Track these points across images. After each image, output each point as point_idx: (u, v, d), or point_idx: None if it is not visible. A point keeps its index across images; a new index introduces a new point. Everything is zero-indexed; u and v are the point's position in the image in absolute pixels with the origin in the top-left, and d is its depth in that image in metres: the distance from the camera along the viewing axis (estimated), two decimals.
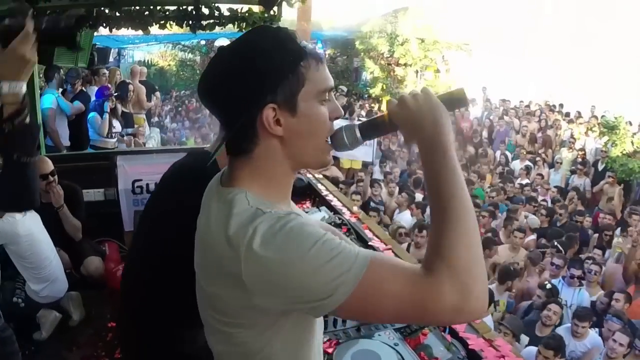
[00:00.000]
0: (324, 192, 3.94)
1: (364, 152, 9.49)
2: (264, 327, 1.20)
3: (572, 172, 11.59)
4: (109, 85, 7.88)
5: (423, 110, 1.24)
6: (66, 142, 7.12)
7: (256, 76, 1.17)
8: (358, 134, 1.33)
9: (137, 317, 2.15)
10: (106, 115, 7.16)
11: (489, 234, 7.54)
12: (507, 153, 12.81)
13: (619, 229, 8.27)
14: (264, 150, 1.23)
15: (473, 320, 1.06)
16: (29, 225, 3.95)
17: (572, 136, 13.03)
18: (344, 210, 3.54)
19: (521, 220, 8.20)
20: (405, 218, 8.25)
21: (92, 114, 7.22)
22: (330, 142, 1.30)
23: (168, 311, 2.00)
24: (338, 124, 1.33)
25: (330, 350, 1.97)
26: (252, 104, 1.17)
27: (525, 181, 10.75)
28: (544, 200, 9.90)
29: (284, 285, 1.07)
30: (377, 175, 10.43)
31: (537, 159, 12.01)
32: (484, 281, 1.10)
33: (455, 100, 1.36)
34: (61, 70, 8.28)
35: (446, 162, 1.18)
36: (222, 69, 1.21)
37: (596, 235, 8.26)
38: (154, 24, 5.92)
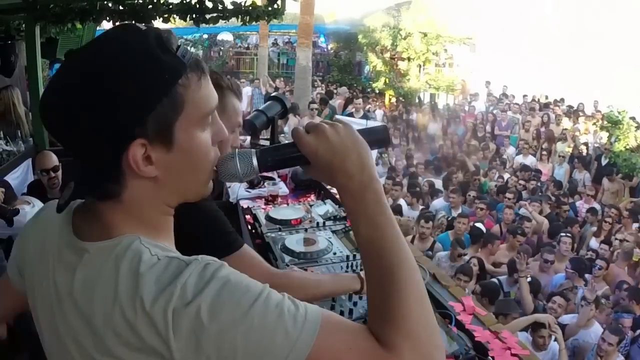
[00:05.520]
0: (329, 186, 3.92)
1: None
2: None
3: (572, 166, 11.56)
4: None
5: (346, 145, 1.01)
6: None
7: (119, 104, 0.86)
8: (255, 163, 1.06)
9: None
10: None
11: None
12: (512, 147, 12.80)
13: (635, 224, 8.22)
14: (135, 193, 0.95)
15: None
16: None
17: (575, 130, 13.05)
18: None
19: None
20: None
21: None
22: (217, 169, 1.06)
23: None
24: None
25: None
26: (113, 141, 0.88)
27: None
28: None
29: (225, 352, 0.83)
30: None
31: (544, 153, 11.99)
32: (442, 346, 0.97)
33: (377, 139, 1.13)
34: None
35: (383, 215, 0.99)
36: (71, 93, 0.89)
37: (594, 229, 8.27)
38: (157, 17, 5.92)
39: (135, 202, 0.95)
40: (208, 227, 1.78)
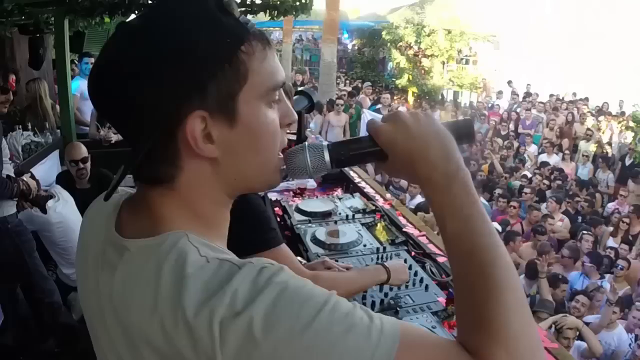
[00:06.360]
0: (357, 180, 3.92)
1: None
2: None
3: (596, 166, 11.45)
4: None
5: (427, 133, 0.89)
6: None
7: (174, 69, 0.76)
8: (327, 158, 0.94)
9: None
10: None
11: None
12: (534, 146, 12.70)
13: None
14: (191, 178, 0.83)
15: None
16: (60, 213, 4.04)
17: (598, 130, 12.92)
18: (377, 197, 3.55)
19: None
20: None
21: None
22: (284, 164, 0.94)
23: None
24: None
25: None
26: (168, 112, 0.77)
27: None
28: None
29: None
30: None
31: (566, 152, 11.90)
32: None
33: (461, 133, 0.98)
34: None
35: (473, 207, 0.86)
36: (120, 59, 0.80)
37: (611, 228, 8.19)
38: None
39: (191, 188, 0.83)
40: (253, 221, 1.77)
